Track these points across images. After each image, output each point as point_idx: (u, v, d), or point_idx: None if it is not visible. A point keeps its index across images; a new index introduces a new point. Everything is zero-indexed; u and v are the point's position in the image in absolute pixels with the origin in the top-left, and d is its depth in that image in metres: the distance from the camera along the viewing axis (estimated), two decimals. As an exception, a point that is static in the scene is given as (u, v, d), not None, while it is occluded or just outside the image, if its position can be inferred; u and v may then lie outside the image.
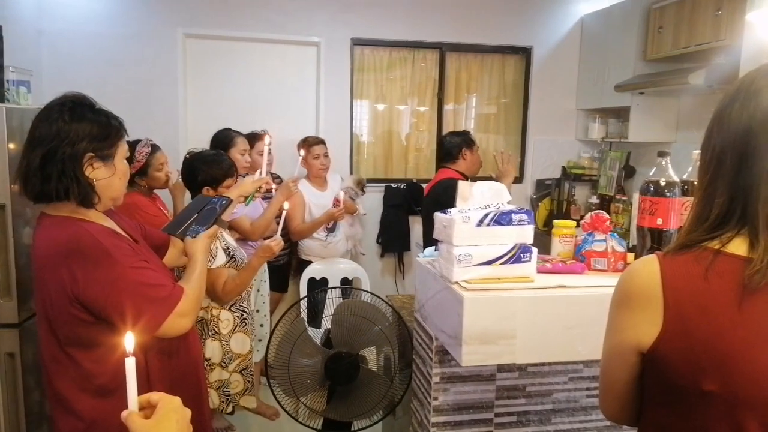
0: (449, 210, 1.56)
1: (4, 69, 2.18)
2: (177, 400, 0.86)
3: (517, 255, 1.51)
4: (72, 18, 3.74)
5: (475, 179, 3.29)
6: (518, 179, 4.54)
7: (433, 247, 2.08)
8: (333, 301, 2.09)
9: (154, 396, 0.86)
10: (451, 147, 3.24)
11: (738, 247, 0.92)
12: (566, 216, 4.25)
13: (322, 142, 3.68)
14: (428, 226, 3.25)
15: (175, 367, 1.53)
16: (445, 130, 4.39)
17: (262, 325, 3.31)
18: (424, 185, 4.28)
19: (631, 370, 1.02)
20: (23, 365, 2.12)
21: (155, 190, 2.90)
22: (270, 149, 3.47)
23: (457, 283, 1.48)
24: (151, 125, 3.39)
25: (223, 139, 3.25)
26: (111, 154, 1.43)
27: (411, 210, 4.30)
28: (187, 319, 1.44)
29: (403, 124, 4.45)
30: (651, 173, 1.62)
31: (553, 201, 4.51)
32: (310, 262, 3.70)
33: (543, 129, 4.51)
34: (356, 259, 4.02)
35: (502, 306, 1.43)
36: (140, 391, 1.47)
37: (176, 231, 1.68)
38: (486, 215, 1.49)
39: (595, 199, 4.38)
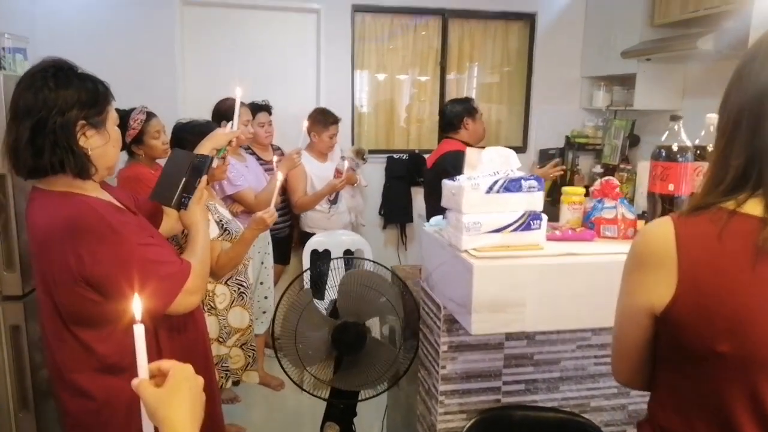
0: (457, 177, 1.54)
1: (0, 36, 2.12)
2: (189, 368, 0.84)
3: (526, 222, 1.48)
4: (66, -15, 3.65)
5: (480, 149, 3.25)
6: (521, 149, 4.50)
7: (440, 216, 2.06)
8: (337, 271, 2.07)
9: (165, 364, 0.84)
10: (453, 116, 3.17)
11: (754, 207, 0.90)
12: (570, 186, 4.22)
13: (339, 120, 3.62)
14: (431, 198, 3.22)
15: (184, 342, 1.52)
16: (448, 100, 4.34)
17: (266, 297, 3.31)
18: (426, 156, 4.24)
19: (644, 333, 1.01)
20: (28, 338, 2.11)
21: (157, 160, 2.86)
22: (256, 104, 3.43)
23: (465, 251, 1.46)
24: (150, 95, 3.32)
25: (225, 110, 3.19)
26: (102, 121, 1.36)
27: (413, 181, 4.27)
28: (197, 296, 1.42)
29: (404, 94, 4.39)
30: (663, 138, 1.58)
31: (556, 171, 4.47)
32: (312, 234, 3.68)
33: (547, 98, 4.45)
34: (357, 230, 4.00)
35: (512, 274, 1.41)
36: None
37: (170, 202, 1.58)
38: (495, 182, 1.47)
39: (599, 169, 4.34)
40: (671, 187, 1.55)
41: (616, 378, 1.14)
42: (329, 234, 3.69)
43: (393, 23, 4.21)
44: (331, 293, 2.05)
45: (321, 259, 3.74)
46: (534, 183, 1.50)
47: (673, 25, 3.53)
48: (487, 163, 1.54)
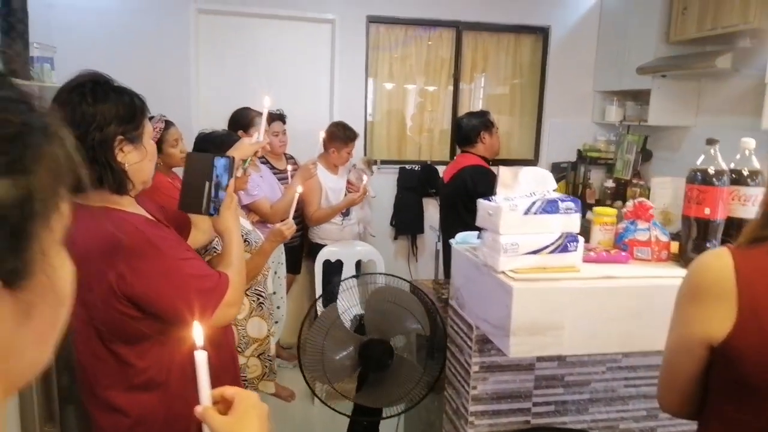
0: (494, 197, 1.53)
1: (29, 45, 2.11)
2: (254, 396, 0.83)
3: (564, 244, 1.48)
4: (81, -9, 3.65)
5: (495, 162, 3.25)
6: (533, 162, 4.50)
7: (467, 233, 2.05)
8: (356, 289, 2.05)
9: (229, 390, 0.82)
10: (469, 130, 3.17)
11: None
12: (582, 199, 4.21)
13: (358, 136, 3.63)
14: (449, 212, 3.21)
15: (218, 355, 1.50)
16: (461, 111, 4.34)
17: (278, 307, 3.29)
18: (438, 167, 4.24)
19: (698, 363, 1.00)
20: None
21: (174, 169, 2.84)
22: (275, 115, 3.43)
23: (503, 272, 1.45)
24: (164, 103, 3.29)
25: (242, 119, 3.19)
26: (139, 135, 1.35)
27: (425, 192, 4.26)
28: (235, 308, 1.41)
29: (417, 104, 4.39)
30: (699, 161, 1.58)
31: (568, 184, 4.47)
32: (322, 246, 3.67)
33: (559, 111, 4.45)
34: (365, 240, 4.00)
35: (551, 296, 1.40)
36: (190, 383, 1.44)
37: (201, 209, 1.54)
38: (533, 203, 1.46)
39: (610, 183, 4.34)
40: (707, 210, 1.54)
41: (663, 407, 1.13)
42: (342, 244, 3.69)
43: (407, 34, 4.21)
44: (353, 308, 2.04)
45: (332, 269, 3.73)
46: (571, 204, 1.49)
47: (688, 42, 3.54)
48: (524, 184, 1.53)
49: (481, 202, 1.53)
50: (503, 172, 1.67)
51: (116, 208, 1.34)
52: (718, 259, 0.96)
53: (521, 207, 1.45)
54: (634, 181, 4.13)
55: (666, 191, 4.11)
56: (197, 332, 0.84)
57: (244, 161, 1.80)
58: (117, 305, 1.27)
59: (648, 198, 4.22)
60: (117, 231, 1.27)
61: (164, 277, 1.28)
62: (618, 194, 4.31)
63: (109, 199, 1.34)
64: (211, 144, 2.27)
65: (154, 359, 1.33)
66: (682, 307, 1.01)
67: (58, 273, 0.40)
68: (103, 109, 1.29)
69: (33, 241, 0.37)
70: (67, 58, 3.12)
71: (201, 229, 1.72)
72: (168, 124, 2.73)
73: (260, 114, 3.28)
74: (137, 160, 1.35)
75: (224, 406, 0.82)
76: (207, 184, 1.51)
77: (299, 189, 2.51)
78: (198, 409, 0.80)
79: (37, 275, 0.38)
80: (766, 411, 0.93)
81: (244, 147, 1.78)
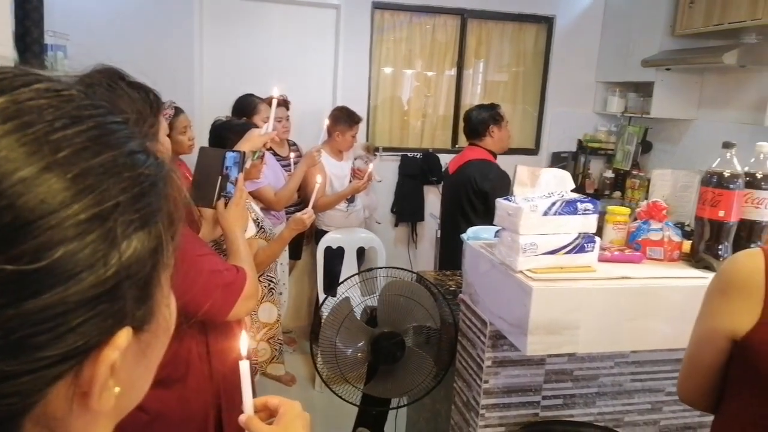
0: (513, 197, 1.55)
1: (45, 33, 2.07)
2: (298, 405, 0.84)
3: (581, 245, 1.50)
4: (82, -29, 3.57)
5: (504, 154, 3.26)
6: (533, 151, 4.52)
7: (477, 228, 2.07)
8: (370, 282, 2.07)
9: (273, 400, 0.84)
10: (478, 123, 3.14)
11: None
12: (580, 190, 4.25)
13: (361, 120, 3.65)
14: (451, 204, 3.21)
15: (232, 347, 1.52)
16: (464, 99, 4.34)
17: (281, 293, 3.32)
18: (439, 155, 4.25)
19: (720, 356, 1.05)
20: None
21: (180, 156, 2.84)
22: (279, 101, 3.41)
23: (521, 272, 1.47)
24: (166, 87, 3.26)
25: (246, 106, 3.18)
26: (154, 132, 1.32)
27: (426, 180, 4.27)
28: (253, 300, 1.43)
29: (420, 92, 4.37)
30: (714, 164, 1.60)
31: (568, 174, 4.50)
32: (326, 231, 3.68)
33: (561, 101, 4.46)
34: (370, 228, 4.01)
35: (569, 296, 1.43)
36: (207, 381, 1.45)
37: (211, 203, 1.56)
38: (553, 204, 1.48)
39: (609, 173, 4.37)
40: (722, 213, 1.57)
41: (682, 398, 1.17)
42: (344, 231, 3.70)
43: (411, 21, 4.18)
44: (366, 300, 2.06)
45: (334, 256, 3.75)
46: (589, 206, 1.51)
47: (693, 36, 3.55)
48: (544, 184, 1.55)
49: (501, 202, 1.55)
50: (520, 171, 1.68)
51: None
52: (751, 260, 1.01)
53: (541, 208, 1.46)
54: (634, 172, 4.16)
55: (666, 183, 4.14)
56: (243, 342, 0.85)
57: (254, 153, 1.81)
58: None
59: (647, 189, 4.26)
60: None
61: (183, 273, 1.28)
62: (617, 185, 4.35)
63: None
64: (230, 132, 2.26)
65: (172, 355, 1.34)
66: (711, 301, 1.06)
67: (169, 309, 0.42)
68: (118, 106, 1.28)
69: (158, 287, 0.38)
70: (70, 44, 3.08)
71: (210, 222, 1.74)
72: (177, 110, 2.72)
73: (264, 101, 3.28)
74: None
75: (266, 414, 0.83)
76: (219, 178, 1.54)
77: (319, 179, 2.55)
78: (242, 418, 0.81)
79: (157, 317, 0.39)
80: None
81: (254, 138, 1.78)
